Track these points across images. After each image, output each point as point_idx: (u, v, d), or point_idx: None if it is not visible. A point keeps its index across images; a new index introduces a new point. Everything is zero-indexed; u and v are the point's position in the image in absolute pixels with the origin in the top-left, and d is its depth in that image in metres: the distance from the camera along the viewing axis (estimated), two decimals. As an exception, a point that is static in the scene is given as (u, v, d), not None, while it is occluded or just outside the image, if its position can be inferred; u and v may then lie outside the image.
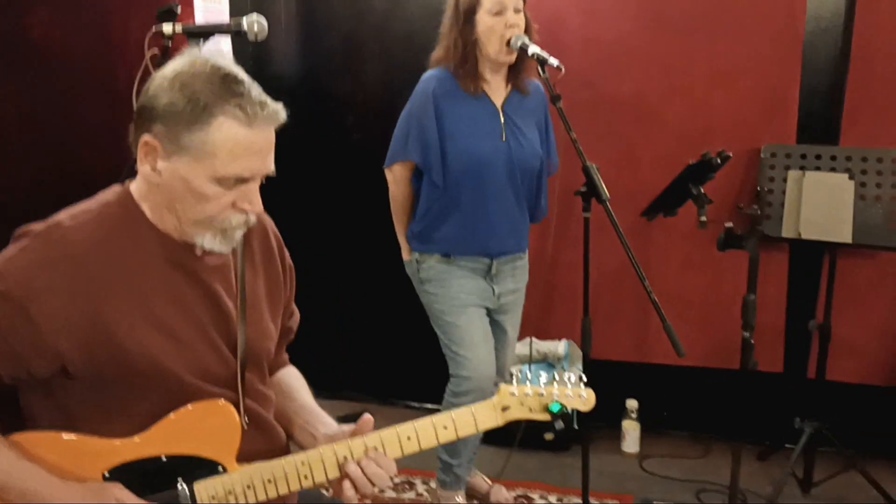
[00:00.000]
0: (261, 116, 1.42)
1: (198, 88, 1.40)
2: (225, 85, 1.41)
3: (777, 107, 3.42)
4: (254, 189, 1.48)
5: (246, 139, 1.41)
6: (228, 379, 1.56)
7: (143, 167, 1.46)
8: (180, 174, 1.43)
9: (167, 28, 2.01)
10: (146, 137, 1.43)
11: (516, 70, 2.83)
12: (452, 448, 2.98)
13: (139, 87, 1.53)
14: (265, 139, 1.45)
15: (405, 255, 2.98)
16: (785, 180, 3.19)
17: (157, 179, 1.46)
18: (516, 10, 2.72)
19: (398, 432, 1.61)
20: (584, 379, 1.77)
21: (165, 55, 2.03)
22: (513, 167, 2.81)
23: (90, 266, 1.43)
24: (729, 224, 2.54)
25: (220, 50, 3.34)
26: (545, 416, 1.73)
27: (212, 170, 1.41)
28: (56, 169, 2.69)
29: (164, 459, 1.49)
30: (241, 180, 1.45)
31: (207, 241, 1.49)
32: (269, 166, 1.48)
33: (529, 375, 1.76)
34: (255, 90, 1.43)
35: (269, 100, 1.44)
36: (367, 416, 1.62)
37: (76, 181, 2.75)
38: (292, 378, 1.85)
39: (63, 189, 2.65)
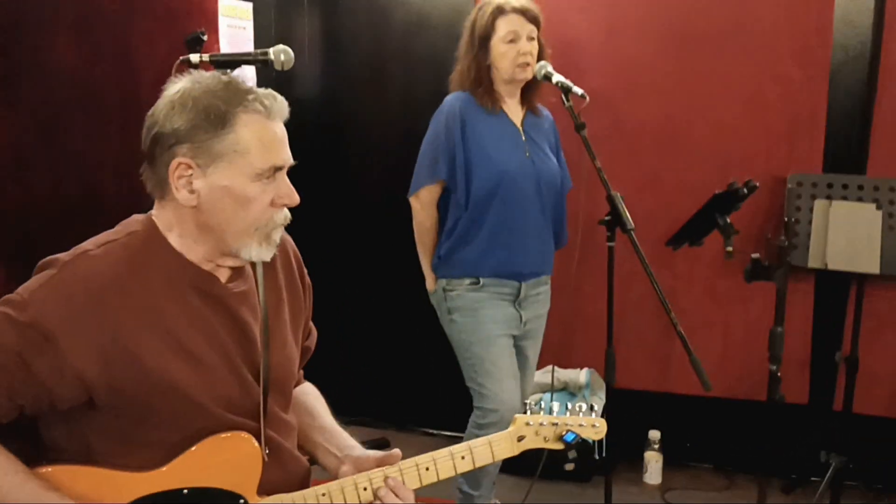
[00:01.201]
0: (275, 108, 1.49)
1: (211, 98, 1.44)
2: (233, 88, 1.46)
3: (803, 135, 3.39)
4: (287, 181, 1.52)
5: (270, 129, 1.48)
6: (251, 408, 1.55)
7: (181, 193, 1.46)
8: (221, 184, 1.45)
9: (195, 58, 2.03)
10: (178, 160, 1.44)
11: (529, 91, 2.87)
12: (472, 479, 2.94)
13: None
14: (282, 129, 1.51)
15: (430, 286, 2.96)
16: (811, 210, 3.16)
17: (195, 201, 1.46)
18: (530, 38, 2.77)
19: (417, 463, 1.62)
20: (596, 408, 1.82)
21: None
22: (539, 182, 2.83)
23: (116, 295, 1.43)
24: (756, 255, 2.50)
25: (244, 75, 3.36)
26: (559, 446, 1.76)
27: (249, 168, 1.45)
28: (77, 195, 2.70)
29: (185, 493, 1.48)
30: (277, 170, 1.49)
31: (254, 252, 1.51)
32: (291, 157, 1.53)
33: (543, 405, 1.79)
34: (259, 88, 1.50)
35: (274, 92, 1.51)
36: (397, 451, 1.63)
37: (97, 208, 2.77)
38: (311, 397, 1.85)
39: (84, 216, 2.67)
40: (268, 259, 1.55)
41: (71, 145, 2.69)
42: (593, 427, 1.79)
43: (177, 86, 1.48)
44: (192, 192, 1.46)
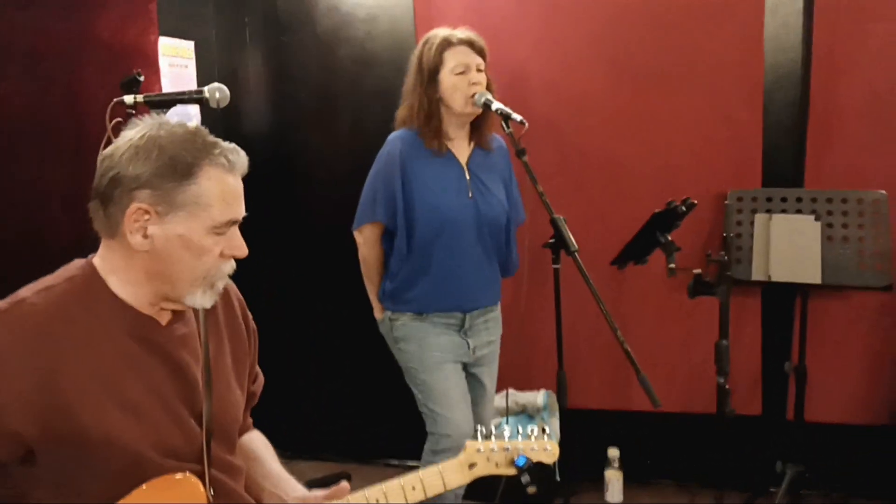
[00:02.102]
0: (238, 163, 1.51)
1: (178, 148, 1.45)
2: (200, 139, 1.48)
3: (741, 153, 3.47)
4: (238, 234, 1.54)
5: (231, 184, 1.49)
6: (193, 452, 1.54)
7: (134, 238, 1.46)
8: (177, 233, 1.46)
9: (129, 99, 2.03)
10: (137, 205, 1.44)
11: (479, 126, 2.87)
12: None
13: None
14: (241, 183, 1.53)
15: (377, 315, 2.97)
16: (752, 224, 3.23)
17: (148, 246, 1.46)
18: (479, 69, 2.79)
19: (367, 496, 1.61)
20: (549, 431, 1.83)
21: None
22: (480, 223, 2.83)
23: (52, 343, 1.42)
24: (698, 271, 2.56)
25: (187, 112, 3.36)
26: (511, 471, 1.76)
27: (209, 221, 1.46)
28: (20, 234, 2.66)
29: (129, 537, 1.46)
30: (232, 224, 1.51)
31: (199, 299, 1.52)
32: (244, 210, 1.55)
33: (495, 431, 1.79)
34: (224, 141, 1.51)
35: (237, 147, 1.53)
36: (344, 485, 1.62)
37: (40, 247, 2.73)
38: (258, 444, 1.85)
39: (27, 254, 2.64)
40: (209, 306, 1.56)
41: (20, 177, 2.66)
42: (545, 450, 1.81)
43: (139, 129, 1.48)
44: (146, 237, 1.45)
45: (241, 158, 1.51)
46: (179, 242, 1.46)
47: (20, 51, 2.67)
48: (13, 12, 2.66)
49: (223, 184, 1.47)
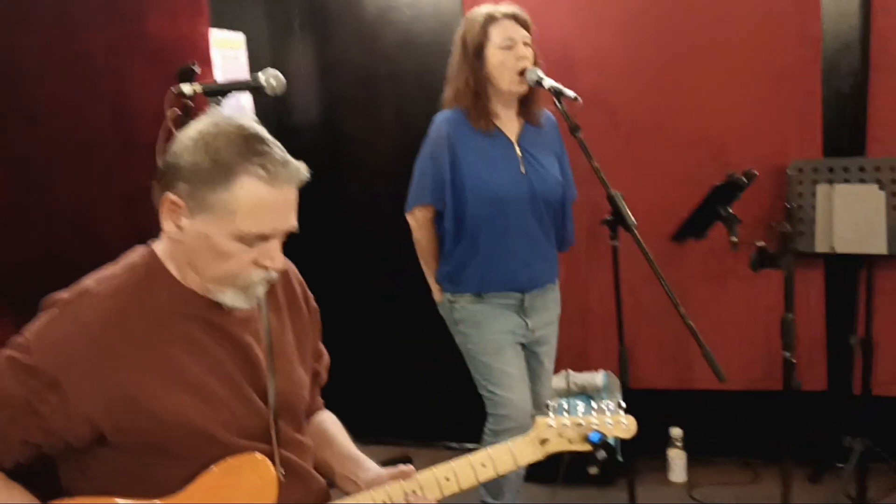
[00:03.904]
0: (283, 175, 1.44)
1: (221, 148, 1.42)
2: (248, 145, 1.43)
3: (801, 121, 3.39)
4: (275, 246, 1.50)
5: (268, 197, 1.43)
6: (263, 431, 1.56)
7: (166, 224, 1.48)
8: (202, 232, 1.45)
9: (186, 88, 2.04)
10: (170, 196, 1.45)
11: (527, 102, 2.84)
12: (495, 489, 2.93)
13: (163, 146, 1.56)
14: (287, 197, 1.47)
15: (436, 297, 2.96)
16: (814, 195, 3.16)
17: (179, 236, 1.48)
18: (525, 43, 2.74)
19: (436, 474, 1.61)
20: (623, 405, 1.75)
21: (187, 114, 2.05)
22: (535, 199, 2.80)
23: (116, 337, 1.44)
24: (761, 243, 2.50)
25: (240, 104, 3.39)
26: (585, 447, 1.71)
27: (233, 227, 1.43)
28: (73, 241, 2.66)
29: (204, 516, 1.49)
30: (263, 238, 1.47)
31: (229, 298, 1.51)
32: (291, 223, 1.50)
33: (567, 406, 1.74)
34: (277, 149, 1.46)
35: (290, 158, 1.47)
36: (409, 468, 1.62)
37: (94, 252, 2.73)
38: (329, 424, 1.85)
39: (81, 261, 2.64)
40: (247, 307, 1.55)
41: (63, 191, 2.66)
42: (622, 425, 1.74)
43: (203, 122, 1.48)
44: (178, 227, 1.47)
45: (287, 170, 1.44)
46: (204, 240, 1.45)
47: (66, 51, 2.67)
48: (53, 15, 2.66)
49: (256, 195, 1.42)
